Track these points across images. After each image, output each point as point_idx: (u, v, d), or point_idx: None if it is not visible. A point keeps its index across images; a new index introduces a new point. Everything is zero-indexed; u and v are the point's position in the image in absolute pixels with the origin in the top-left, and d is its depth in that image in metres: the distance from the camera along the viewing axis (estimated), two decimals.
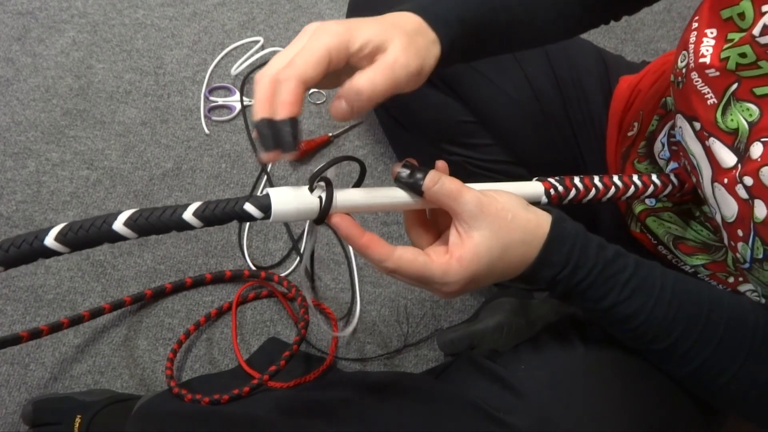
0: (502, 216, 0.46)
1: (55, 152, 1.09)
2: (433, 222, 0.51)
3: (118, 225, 0.38)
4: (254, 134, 0.41)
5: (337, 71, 0.44)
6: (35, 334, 0.79)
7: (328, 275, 1.01)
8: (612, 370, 0.57)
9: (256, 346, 0.94)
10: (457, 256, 0.46)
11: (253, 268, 1.00)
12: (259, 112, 0.40)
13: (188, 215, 0.40)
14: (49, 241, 0.37)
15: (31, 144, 1.09)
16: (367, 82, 0.41)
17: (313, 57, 0.41)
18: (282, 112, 0.40)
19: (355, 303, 0.99)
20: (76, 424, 0.80)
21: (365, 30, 0.43)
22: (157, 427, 0.73)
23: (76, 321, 0.86)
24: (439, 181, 0.45)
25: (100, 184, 1.06)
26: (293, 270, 1.01)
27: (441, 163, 0.49)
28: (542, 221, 0.48)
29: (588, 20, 0.63)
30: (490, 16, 0.53)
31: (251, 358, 0.92)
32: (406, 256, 0.45)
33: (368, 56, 0.43)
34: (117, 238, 0.38)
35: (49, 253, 0.37)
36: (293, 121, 0.40)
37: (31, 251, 0.36)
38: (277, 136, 0.40)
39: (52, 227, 0.37)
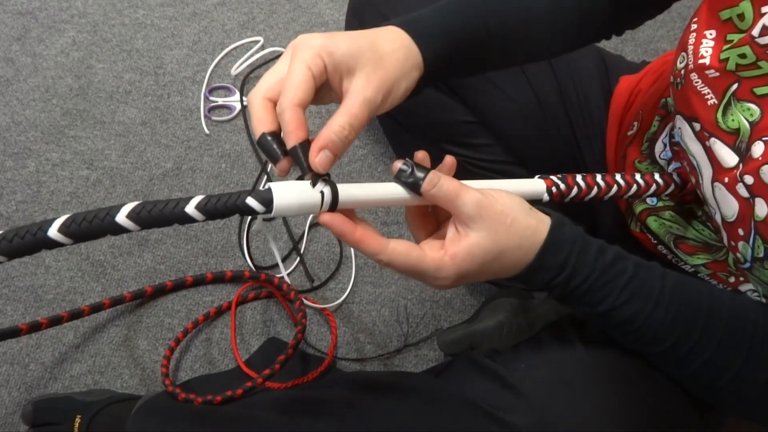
0: (501, 220, 0.46)
1: (55, 152, 1.09)
2: (434, 214, 0.52)
3: (121, 217, 0.38)
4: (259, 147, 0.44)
5: (322, 85, 0.46)
6: (34, 327, 0.80)
7: (328, 275, 1.01)
8: (611, 370, 0.57)
9: (256, 346, 0.94)
10: (451, 253, 0.46)
11: (254, 269, 1.00)
12: (259, 129, 0.44)
13: (190, 208, 0.40)
14: (53, 232, 0.37)
15: (31, 144, 1.09)
16: (340, 129, 0.44)
17: (298, 78, 0.43)
18: (292, 141, 0.43)
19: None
20: (76, 424, 0.80)
21: (339, 47, 0.44)
22: (157, 427, 0.73)
23: (75, 315, 0.86)
24: (438, 183, 0.45)
25: (100, 184, 1.06)
26: (293, 270, 1.01)
27: (449, 159, 0.50)
28: (541, 226, 0.48)
29: (587, 36, 0.63)
30: (481, 31, 0.53)
31: (251, 359, 0.92)
32: (400, 249, 0.45)
33: (339, 77, 0.45)
34: (120, 230, 0.38)
35: (52, 244, 0.37)
36: (303, 145, 0.43)
37: (35, 242, 0.37)
38: (297, 162, 0.43)
39: (55, 218, 0.37)
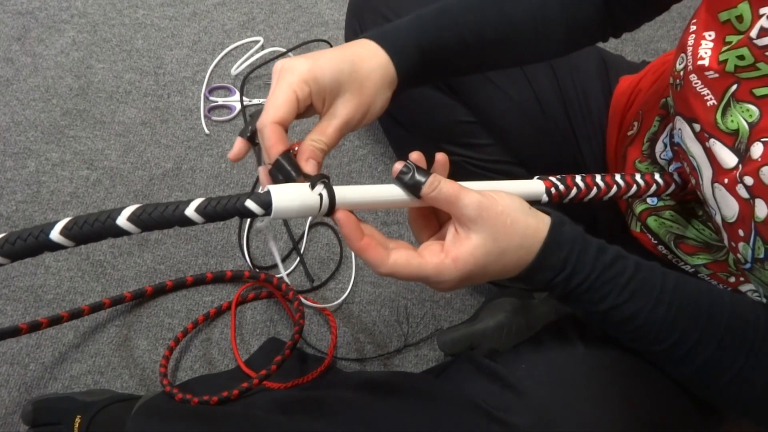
0: (501, 220, 0.46)
1: (55, 152, 1.09)
2: (435, 214, 0.52)
3: (122, 220, 0.39)
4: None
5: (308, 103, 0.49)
6: (34, 326, 0.80)
7: (328, 275, 1.01)
8: (611, 370, 0.57)
9: (256, 346, 0.94)
10: (452, 256, 0.46)
11: (254, 269, 1.00)
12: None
13: (190, 211, 0.40)
14: (55, 234, 0.37)
15: (31, 144, 1.09)
16: (317, 144, 0.48)
17: (282, 99, 0.47)
18: (272, 155, 0.46)
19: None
20: (76, 424, 0.80)
21: (325, 74, 0.48)
22: (157, 427, 0.73)
23: (75, 315, 0.86)
24: (437, 187, 0.46)
25: (100, 184, 1.07)
26: (293, 270, 1.01)
27: (441, 156, 0.50)
28: (541, 225, 0.48)
29: (576, 42, 0.63)
30: (457, 43, 0.56)
31: (251, 359, 0.92)
32: (401, 261, 0.45)
33: (323, 100, 0.49)
34: (120, 233, 0.39)
35: (54, 246, 0.38)
36: (285, 156, 0.46)
37: (37, 244, 0.37)
38: (282, 172, 0.46)
39: (57, 221, 0.38)
